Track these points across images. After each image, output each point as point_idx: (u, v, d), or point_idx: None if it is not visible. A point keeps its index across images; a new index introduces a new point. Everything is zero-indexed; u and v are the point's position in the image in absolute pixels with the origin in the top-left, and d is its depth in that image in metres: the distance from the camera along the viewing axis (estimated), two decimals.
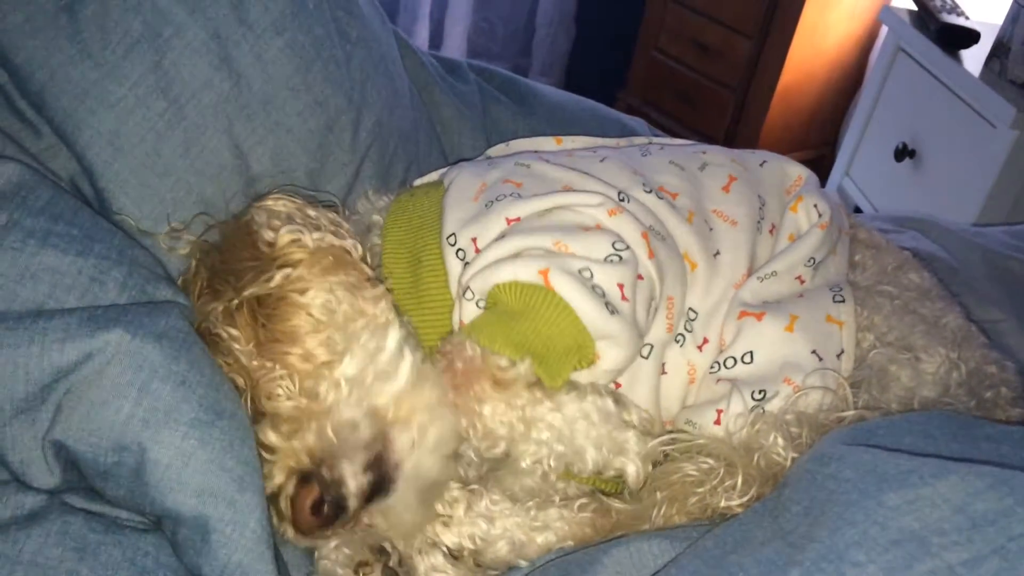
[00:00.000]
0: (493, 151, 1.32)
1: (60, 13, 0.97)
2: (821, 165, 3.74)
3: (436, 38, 4.24)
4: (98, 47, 0.98)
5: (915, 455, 0.79)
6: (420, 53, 1.46)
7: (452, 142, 1.44)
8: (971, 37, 2.41)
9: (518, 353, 0.94)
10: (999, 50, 2.32)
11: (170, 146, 1.02)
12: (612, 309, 0.95)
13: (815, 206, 1.14)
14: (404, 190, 1.21)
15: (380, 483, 0.91)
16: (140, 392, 0.84)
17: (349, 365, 0.93)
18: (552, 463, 0.96)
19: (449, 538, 0.96)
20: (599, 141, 1.31)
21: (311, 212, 1.02)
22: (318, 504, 0.89)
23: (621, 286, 0.97)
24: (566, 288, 0.94)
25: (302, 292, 0.94)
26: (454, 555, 0.97)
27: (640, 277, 0.99)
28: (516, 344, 0.93)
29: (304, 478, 0.89)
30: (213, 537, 0.83)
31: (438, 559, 0.96)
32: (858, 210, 2.82)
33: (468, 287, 0.98)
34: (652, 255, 1.01)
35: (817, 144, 3.86)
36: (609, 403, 0.99)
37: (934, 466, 0.75)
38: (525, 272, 0.95)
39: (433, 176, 1.25)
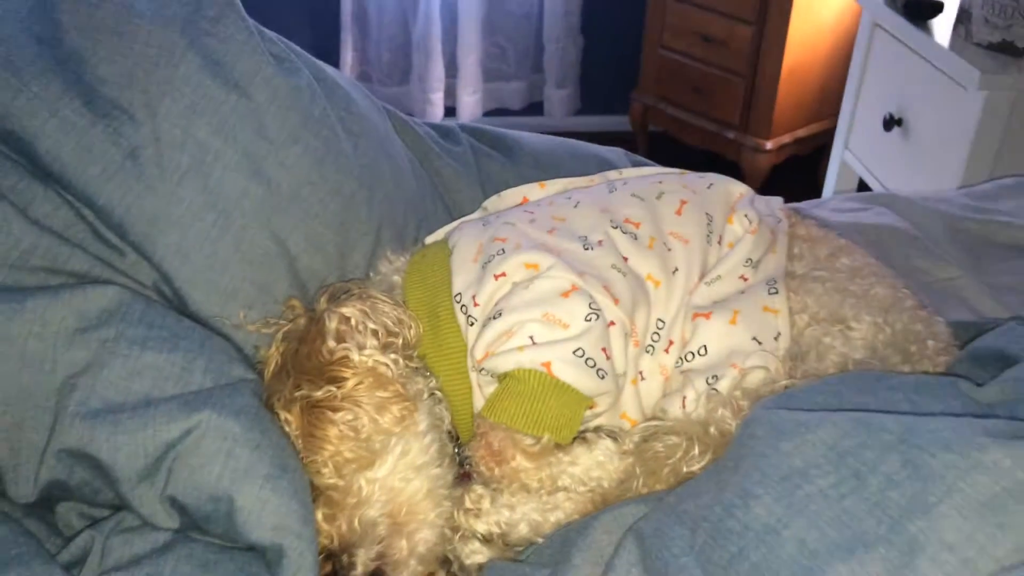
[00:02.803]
0: (488, 203, 1.61)
1: (126, 160, 1.28)
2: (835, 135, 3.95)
3: (451, 69, 4.55)
4: (158, 181, 1.29)
5: (815, 411, 1.06)
6: (417, 125, 1.76)
7: (454, 198, 1.73)
8: (935, 8, 2.64)
9: (540, 431, 1.24)
10: (963, 16, 2.54)
11: (224, 247, 1.32)
12: (603, 374, 1.25)
13: (745, 216, 1.41)
14: (417, 248, 1.51)
15: (378, 573, 1.21)
16: (227, 456, 1.14)
17: (381, 468, 1.23)
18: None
19: (480, 526, 1.25)
20: (574, 182, 1.59)
21: (371, 324, 1.28)
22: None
23: (604, 349, 1.26)
24: (568, 374, 1.24)
25: (335, 410, 1.21)
26: (486, 539, 1.26)
27: (612, 323, 1.28)
28: (536, 423, 1.24)
29: (327, 556, 1.20)
30: (284, 560, 1.12)
31: (475, 544, 1.25)
32: (863, 183, 3.07)
33: (483, 368, 1.28)
34: (617, 302, 1.29)
35: (830, 115, 4.07)
36: (611, 444, 1.29)
37: (819, 417, 1.02)
38: (530, 361, 1.24)
39: (439, 234, 1.55)
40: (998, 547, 0.83)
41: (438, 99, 4.60)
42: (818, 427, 1.00)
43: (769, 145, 4.02)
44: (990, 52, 2.46)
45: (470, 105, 4.65)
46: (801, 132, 4.13)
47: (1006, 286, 1.75)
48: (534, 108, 4.83)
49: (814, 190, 3.85)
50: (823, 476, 0.95)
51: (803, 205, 2.03)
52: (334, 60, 4.50)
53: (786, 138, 4.08)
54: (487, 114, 4.77)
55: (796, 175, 4.16)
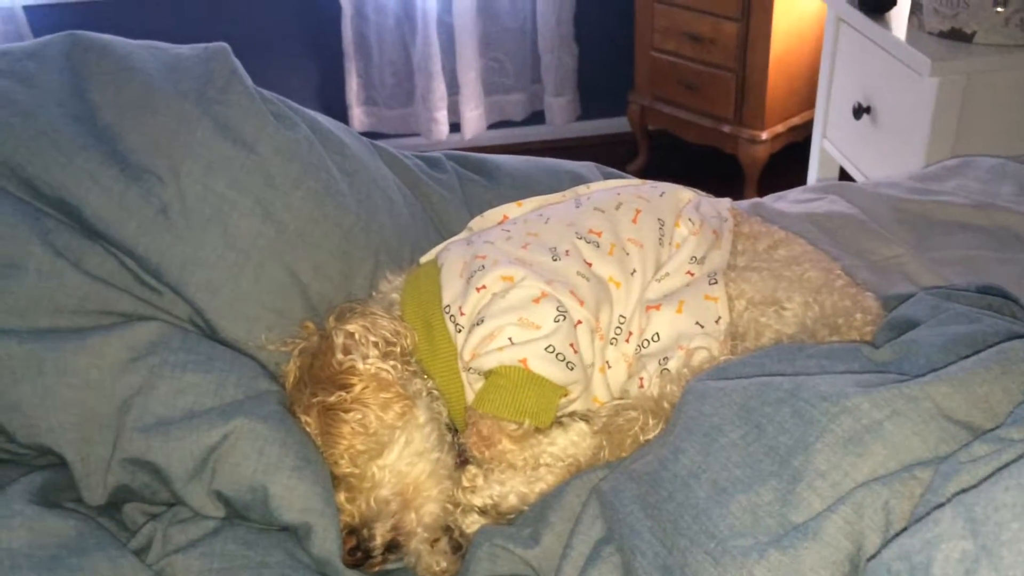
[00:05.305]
0: (473, 223, 1.88)
1: (158, 216, 1.56)
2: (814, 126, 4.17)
3: (453, 87, 4.82)
4: (185, 231, 1.56)
5: (739, 378, 1.32)
6: (406, 158, 2.04)
7: (443, 220, 2.00)
8: (890, 1, 2.89)
9: (521, 417, 1.50)
10: (915, 7, 2.79)
11: (245, 281, 1.59)
12: (571, 366, 1.51)
13: (689, 219, 1.68)
14: (412, 268, 1.79)
15: (394, 544, 1.47)
16: (259, 454, 1.41)
17: (389, 456, 1.49)
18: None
19: (477, 500, 1.52)
20: (547, 199, 1.86)
21: (372, 337, 1.54)
22: (353, 549, 1.45)
23: (572, 344, 1.52)
24: (542, 367, 1.49)
25: (346, 412, 1.45)
26: (483, 511, 1.52)
27: (579, 322, 1.54)
28: (518, 411, 1.49)
29: (350, 531, 1.46)
30: (313, 535, 1.39)
31: (473, 516, 1.52)
32: (844, 172, 3.32)
33: (471, 367, 1.54)
34: (583, 303, 1.55)
35: None
36: (583, 426, 1.54)
37: (734, 383, 1.28)
38: (509, 359, 1.50)
39: (431, 254, 1.82)
40: (858, 471, 1.09)
41: (442, 117, 4.85)
42: (732, 391, 1.27)
43: (764, 136, 4.25)
44: (942, 40, 2.70)
45: (473, 120, 4.91)
46: (795, 120, 4.36)
47: (945, 260, 1.99)
48: (536, 117, 5.10)
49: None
50: (734, 429, 1.22)
51: (766, 199, 2.29)
52: (339, 88, 4.78)
53: (780, 128, 4.31)
54: (491, 127, 5.04)
55: (793, 162, 4.39)
